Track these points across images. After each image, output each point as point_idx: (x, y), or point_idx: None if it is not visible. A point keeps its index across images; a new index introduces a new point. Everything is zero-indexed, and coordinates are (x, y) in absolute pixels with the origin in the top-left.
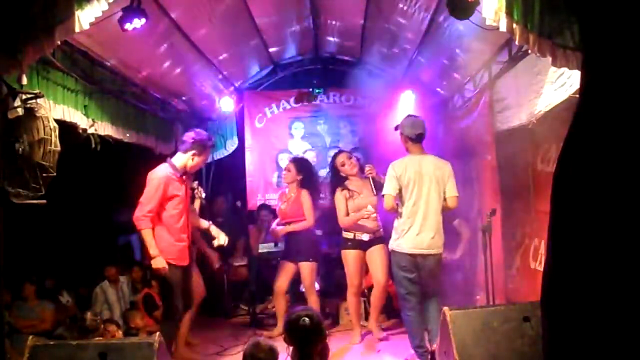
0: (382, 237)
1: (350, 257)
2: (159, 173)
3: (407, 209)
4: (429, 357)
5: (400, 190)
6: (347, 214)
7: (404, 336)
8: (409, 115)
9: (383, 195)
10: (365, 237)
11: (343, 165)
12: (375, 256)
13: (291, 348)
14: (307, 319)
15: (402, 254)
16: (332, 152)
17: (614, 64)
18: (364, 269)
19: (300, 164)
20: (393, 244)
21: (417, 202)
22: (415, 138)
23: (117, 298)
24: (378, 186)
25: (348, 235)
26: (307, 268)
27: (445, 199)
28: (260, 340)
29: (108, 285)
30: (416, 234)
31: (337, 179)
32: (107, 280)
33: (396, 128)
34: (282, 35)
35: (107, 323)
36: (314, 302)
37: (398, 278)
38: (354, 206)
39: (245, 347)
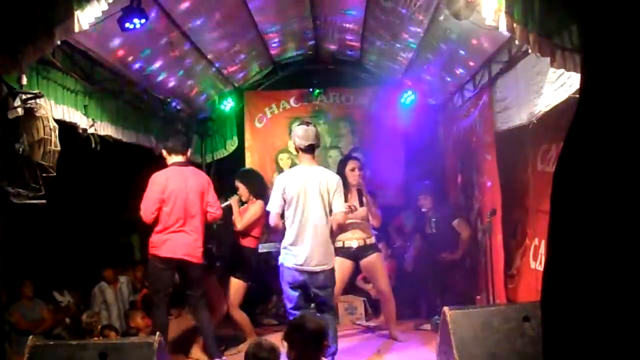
0: (374, 245)
1: (335, 263)
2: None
3: (293, 225)
4: None
5: (284, 206)
6: None
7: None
8: (302, 123)
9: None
10: (354, 243)
11: (353, 170)
12: (373, 266)
13: (289, 350)
14: (311, 325)
15: (289, 269)
16: (332, 152)
17: (613, 64)
18: (345, 280)
19: (241, 176)
20: (281, 258)
21: (302, 218)
22: (306, 149)
23: (116, 299)
24: (360, 198)
25: (338, 243)
26: (234, 284)
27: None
28: (262, 340)
29: (106, 286)
30: (303, 252)
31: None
32: (104, 281)
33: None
34: (282, 35)
35: (106, 329)
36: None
37: (285, 291)
38: None
39: (247, 347)
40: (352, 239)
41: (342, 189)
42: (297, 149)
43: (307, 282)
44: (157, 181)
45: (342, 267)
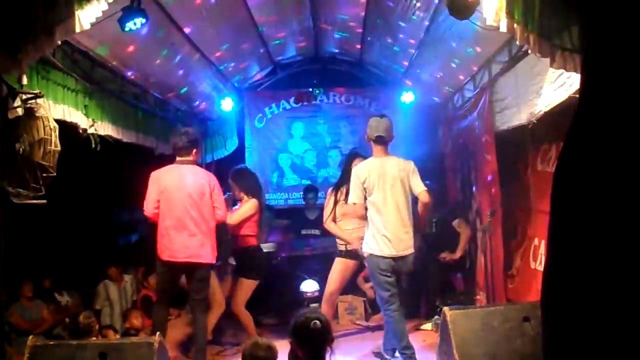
0: None
1: (337, 264)
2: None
3: (378, 212)
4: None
5: (366, 196)
6: (334, 218)
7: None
8: (375, 116)
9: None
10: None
11: None
12: None
13: (296, 348)
14: (317, 321)
15: (380, 257)
16: (332, 152)
17: (613, 64)
18: (346, 280)
19: (234, 175)
20: (370, 248)
21: (386, 205)
22: (376, 140)
23: (119, 296)
24: None
25: (341, 246)
26: (244, 284)
27: (415, 196)
28: (259, 339)
29: (111, 284)
30: (393, 237)
31: (343, 180)
32: (109, 278)
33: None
34: (282, 35)
35: (105, 329)
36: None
37: (379, 281)
38: (341, 211)
39: (244, 347)
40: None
41: (417, 172)
42: (369, 140)
43: (396, 268)
44: (154, 179)
45: (345, 267)
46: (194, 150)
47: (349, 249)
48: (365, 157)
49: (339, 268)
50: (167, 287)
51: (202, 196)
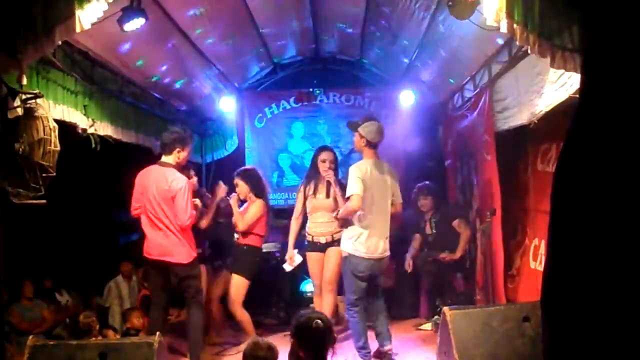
0: (339, 240)
1: (310, 259)
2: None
3: (367, 213)
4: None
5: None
6: (305, 212)
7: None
8: (371, 119)
9: (349, 197)
10: (322, 239)
11: (324, 162)
12: (329, 256)
13: (297, 349)
14: (319, 321)
15: (361, 258)
16: None
17: (614, 64)
18: (322, 269)
19: (242, 174)
20: (350, 249)
21: (375, 206)
22: (375, 144)
23: (130, 293)
24: (328, 189)
25: (308, 237)
26: (236, 282)
27: (393, 204)
28: (260, 339)
29: (122, 280)
30: (375, 239)
31: (311, 173)
32: (121, 275)
33: (350, 125)
34: (282, 35)
35: (105, 329)
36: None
37: (351, 282)
38: (312, 205)
39: (245, 347)
40: (320, 235)
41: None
42: (366, 142)
43: (375, 270)
44: (137, 180)
45: (317, 258)
46: (177, 149)
47: (315, 241)
48: (333, 151)
49: (315, 261)
50: (154, 287)
51: (168, 201)
